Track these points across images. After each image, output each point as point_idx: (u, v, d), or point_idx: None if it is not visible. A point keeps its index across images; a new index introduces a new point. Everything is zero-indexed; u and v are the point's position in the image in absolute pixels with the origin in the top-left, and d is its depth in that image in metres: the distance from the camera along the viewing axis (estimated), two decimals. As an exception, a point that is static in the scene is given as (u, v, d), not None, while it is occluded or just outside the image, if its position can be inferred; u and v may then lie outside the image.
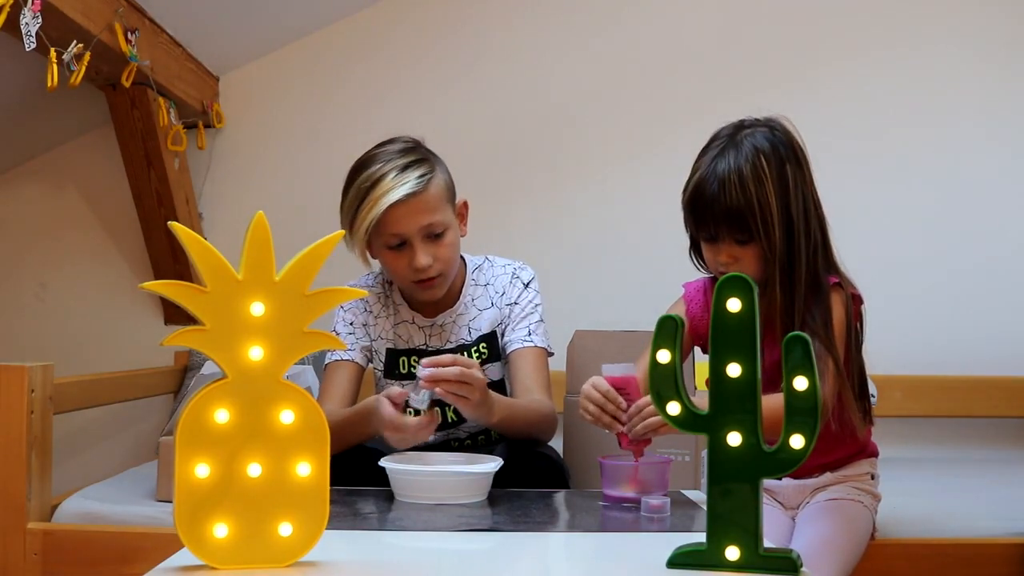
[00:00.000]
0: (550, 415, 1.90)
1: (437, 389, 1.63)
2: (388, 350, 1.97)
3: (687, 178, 1.72)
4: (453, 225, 1.91)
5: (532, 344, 1.95)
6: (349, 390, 1.93)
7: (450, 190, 1.92)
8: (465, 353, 1.94)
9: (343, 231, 1.15)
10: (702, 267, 1.81)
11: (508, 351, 1.97)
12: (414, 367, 1.95)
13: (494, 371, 1.97)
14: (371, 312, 1.98)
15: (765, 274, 1.68)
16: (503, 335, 1.99)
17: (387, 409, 1.65)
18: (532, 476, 1.73)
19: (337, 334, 1.95)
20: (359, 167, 1.88)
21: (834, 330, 1.66)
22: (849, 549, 1.67)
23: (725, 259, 1.68)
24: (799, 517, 1.77)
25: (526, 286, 2.00)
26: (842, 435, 1.74)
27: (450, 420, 1.96)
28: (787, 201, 1.65)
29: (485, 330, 1.98)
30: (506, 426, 1.81)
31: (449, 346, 1.96)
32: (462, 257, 2.02)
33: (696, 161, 1.71)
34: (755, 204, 1.62)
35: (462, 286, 2.00)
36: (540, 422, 1.87)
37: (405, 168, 1.84)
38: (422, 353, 1.95)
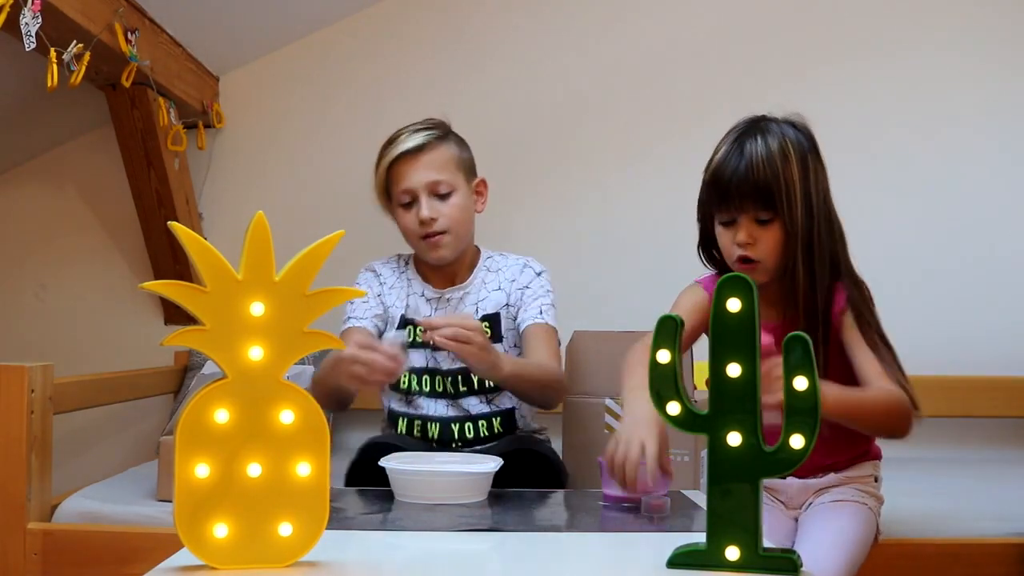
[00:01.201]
0: (560, 378, 1.98)
1: (436, 337, 1.69)
2: (401, 316, 2.04)
3: (708, 160, 1.73)
4: (462, 190, 2.03)
5: (544, 321, 2.01)
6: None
7: (462, 160, 2.06)
8: None
9: (343, 231, 1.15)
10: (708, 264, 1.82)
11: (521, 329, 2.03)
12: (419, 336, 1.99)
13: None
14: (385, 284, 2.08)
15: (783, 259, 1.70)
16: (515, 318, 2.04)
17: (357, 337, 1.75)
18: (529, 476, 1.73)
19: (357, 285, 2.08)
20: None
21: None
22: (853, 551, 1.67)
23: (744, 238, 1.68)
24: (802, 518, 1.77)
25: (538, 275, 2.08)
26: (853, 434, 1.74)
27: (456, 390, 2.00)
28: (808, 187, 1.68)
29: (490, 310, 2.03)
30: (516, 383, 1.88)
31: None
32: (476, 247, 2.12)
33: (717, 146, 1.73)
34: (781, 180, 1.65)
35: (474, 267, 2.09)
36: (550, 382, 1.93)
37: (419, 130, 2.02)
38: None
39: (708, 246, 1.80)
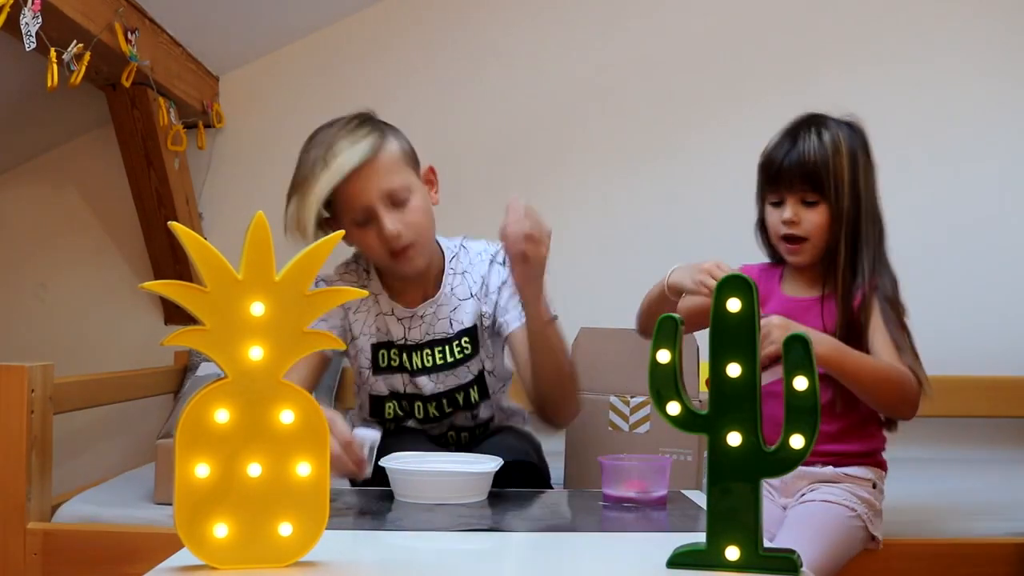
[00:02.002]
0: (577, 376, 1.86)
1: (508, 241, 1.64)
2: (372, 345, 1.89)
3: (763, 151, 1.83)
4: (418, 189, 1.82)
5: None
6: (308, 378, 1.80)
7: (408, 155, 1.84)
8: (445, 347, 1.87)
9: (343, 231, 1.15)
10: (764, 246, 1.91)
11: (506, 334, 1.87)
12: (393, 360, 1.89)
13: (476, 365, 1.90)
14: (350, 307, 1.88)
15: (828, 241, 1.79)
16: (494, 323, 1.90)
17: (339, 425, 1.51)
18: (510, 481, 1.65)
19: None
20: (308, 146, 1.83)
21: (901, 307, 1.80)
22: (831, 555, 1.68)
23: (790, 215, 1.79)
24: (790, 511, 1.77)
25: (504, 265, 1.87)
26: (858, 427, 1.78)
27: (440, 413, 1.90)
28: (856, 177, 1.78)
29: (467, 324, 1.88)
30: (550, 343, 1.76)
31: (428, 339, 1.88)
32: (438, 242, 1.92)
33: (772, 138, 1.84)
34: (829, 166, 1.76)
35: (441, 274, 1.90)
36: (573, 372, 1.82)
37: (354, 130, 1.78)
38: (401, 347, 1.88)
39: (764, 230, 1.89)
